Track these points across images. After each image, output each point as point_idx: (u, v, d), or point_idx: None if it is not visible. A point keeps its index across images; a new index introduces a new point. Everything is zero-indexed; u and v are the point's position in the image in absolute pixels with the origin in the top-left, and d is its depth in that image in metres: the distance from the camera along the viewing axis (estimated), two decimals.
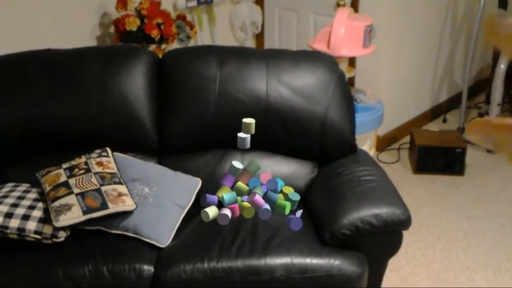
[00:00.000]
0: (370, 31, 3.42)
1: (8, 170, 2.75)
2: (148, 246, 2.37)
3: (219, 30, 4.54)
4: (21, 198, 2.45)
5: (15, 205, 2.39)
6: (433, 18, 4.50)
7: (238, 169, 1.64)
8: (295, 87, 2.73)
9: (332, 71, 2.81)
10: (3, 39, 3.31)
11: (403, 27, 4.18)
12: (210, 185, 2.61)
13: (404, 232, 2.42)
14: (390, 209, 2.33)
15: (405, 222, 2.33)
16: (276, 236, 2.38)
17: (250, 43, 4.81)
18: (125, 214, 2.42)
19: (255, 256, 2.28)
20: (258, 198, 1.60)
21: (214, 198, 1.61)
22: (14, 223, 2.32)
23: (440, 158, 3.98)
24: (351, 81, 4.20)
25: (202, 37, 4.39)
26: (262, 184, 1.62)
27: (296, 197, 1.65)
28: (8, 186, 2.57)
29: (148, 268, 2.27)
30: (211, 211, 1.58)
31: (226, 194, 1.59)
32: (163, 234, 2.39)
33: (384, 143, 4.33)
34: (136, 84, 2.75)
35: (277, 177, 2.47)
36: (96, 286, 2.25)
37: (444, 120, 4.84)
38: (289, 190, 1.68)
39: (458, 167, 3.99)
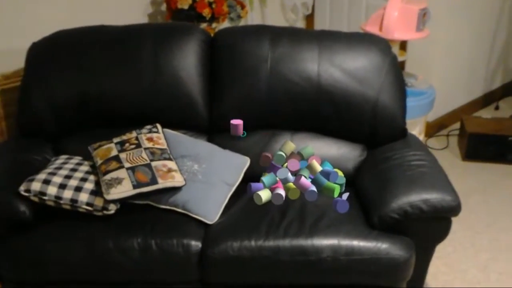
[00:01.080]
0: (425, 14, 3.36)
1: (62, 143, 2.81)
2: (196, 222, 2.39)
3: (269, 11, 4.52)
4: (73, 170, 2.50)
5: (68, 177, 2.44)
6: (490, 1, 4.38)
7: (283, 156, 1.64)
8: (347, 69, 2.70)
9: (385, 54, 2.77)
10: (58, 15, 3.37)
11: (458, 10, 4.09)
12: (258, 165, 2.61)
13: (452, 219, 2.39)
14: (440, 195, 2.30)
15: (455, 209, 2.30)
16: (324, 217, 2.37)
17: (300, 25, 4.77)
18: (174, 190, 2.45)
19: (303, 236, 2.28)
20: (304, 180, 1.60)
21: (259, 185, 1.62)
22: (68, 194, 2.38)
23: (491, 146, 3.90)
24: (402, 65, 4.13)
25: (252, 17, 4.38)
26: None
27: (342, 180, 1.64)
28: (62, 158, 2.63)
29: (196, 244, 2.30)
30: (264, 194, 1.59)
31: (266, 177, 1.60)
32: (211, 211, 2.41)
33: (433, 129, 4.27)
34: (188, 62, 2.77)
35: (326, 160, 2.47)
36: (145, 259, 2.29)
37: (497, 108, 4.73)
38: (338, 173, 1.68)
39: (511, 155, 3.90)
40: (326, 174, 1.63)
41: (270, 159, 1.61)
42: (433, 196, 2.29)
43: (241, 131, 1.62)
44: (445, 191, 2.32)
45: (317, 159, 1.64)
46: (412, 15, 3.30)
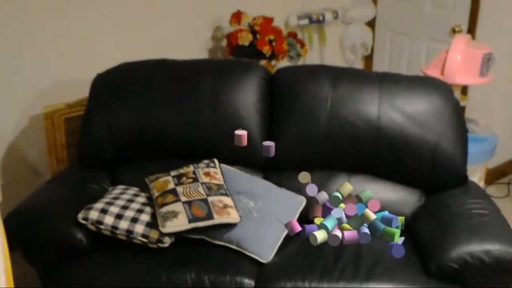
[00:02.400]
0: (489, 59, 3.30)
1: (119, 173, 2.85)
2: (250, 260, 2.38)
3: (328, 50, 4.53)
4: (130, 201, 2.53)
5: (125, 207, 2.47)
6: None
7: (339, 198, 1.60)
8: (408, 112, 2.67)
9: (447, 98, 2.73)
10: (123, 48, 3.45)
11: None
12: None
13: None
14: (504, 246, 2.22)
15: None
16: (379, 262, 2.33)
17: (359, 65, 4.76)
18: (229, 226, 2.44)
19: (357, 281, 2.24)
20: (348, 234, 1.55)
21: (313, 227, 1.58)
22: (124, 224, 2.40)
23: None
24: (462, 110, 4.06)
25: (311, 56, 4.39)
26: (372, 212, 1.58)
27: (399, 223, 1.58)
28: (119, 188, 2.66)
29: (249, 282, 2.28)
30: (320, 235, 1.55)
31: (327, 221, 1.55)
32: (265, 250, 2.39)
33: (493, 176, 4.16)
34: (248, 98, 2.78)
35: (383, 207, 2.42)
36: None
37: None
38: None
39: None
40: (387, 221, 1.58)
41: (244, 138, 1.57)
42: (495, 248, 2.22)
43: (273, 152, 1.60)
44: (509, 243, 2.24)
45: (376, 203, 1.59)
46: (476, 60, 3.25)
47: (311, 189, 1.57)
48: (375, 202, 1.57)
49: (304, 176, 1.58)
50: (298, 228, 1.56)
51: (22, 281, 2.71)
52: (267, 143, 1.59)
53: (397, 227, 1.57)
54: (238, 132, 1.58)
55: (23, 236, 2.45)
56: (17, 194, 2.79)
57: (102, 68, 2.93)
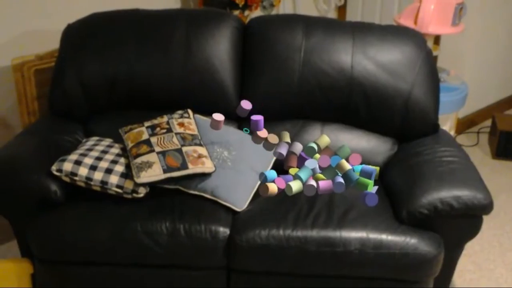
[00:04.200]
0: (461, 9, 3.31)
1: (92, 124, 2.83)
2: (225, 209, 2.40)
3: (301, 0, 4.49)
4: (104, 152, 2.52)
5: (99, 159, 2.46)
6: None
7: (314, 149, 1.61)
8: (381, 61, 2.68)
9: (420, 48, 2.74)
10: None
11: (492, 5, 4.02)
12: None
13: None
14: (472, 192, 2.27)
15: (487, 207, 2.27)
16: (352, 209, 2.37)
17: (332, 15, 4.74)
18: (204, 175, 2.46)
19: (331, 228, 2.28)
20: (323, 184, 1.58)
21: (288, 177, 1.59)
22: (98, 175, 2.39)
23: None
24: (434, 60, 4.08)
25: (284, 6, 4.35)
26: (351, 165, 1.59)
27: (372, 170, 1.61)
28: (93, 140, 2.65)
29: (224, 230, 2.31)
30: (295, 185, 1.57)
31: (302, 172, 1.57)
32: (240, 198, 2.42)
33: (463, 126, 4.22)
34: (221, 48, 2.76)
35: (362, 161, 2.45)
36: (172, 243, 2.30)
37: None
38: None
39: None
40: (367, 174, 1.60)
41: (221, 124, 1.58)
42: (464, 193, 2.27)
43: (221, 127, 1.59)
44: (477, 189, 2.29)
45: (357, 157, 1.60)
46: (449, 9, 3.26)
47: (282, 148, 1.58)
48: (356, 156, 1.59)
49: (323, 140, 1.59)
50: (248, 106, 1.56)
51: None
52: (244, 104, 1.58)
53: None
54: (215, 116, 1.57)
55: None
56: None
57: (72, 18, 2.87)
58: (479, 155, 3.96)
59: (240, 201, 2.41)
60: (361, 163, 1.63)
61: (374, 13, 4.54)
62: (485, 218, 2.34)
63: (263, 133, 1.60)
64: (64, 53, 2.82)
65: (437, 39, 4.02)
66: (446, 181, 2.35)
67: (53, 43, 2.97)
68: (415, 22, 3.34)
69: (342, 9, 4.78)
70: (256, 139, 1.60)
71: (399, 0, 4.34)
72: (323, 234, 2.26)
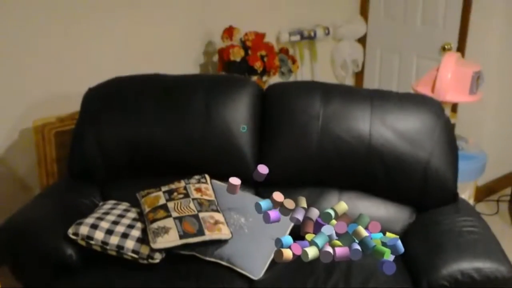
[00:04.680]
0: (478, 78, 3.33)
1: (109, 188, 2.84)
2: (241, 276, 2.37)
3: (319, 66, 4.55)
4: (121, 216, 2.52)
5: (115, 223, 2.46)
6: None
7: (330, 215, 1.59)
8: (399, 130, 2.68)
9: (438, 116, 2.74)
10: (115, 62, 3.45)
11: (509, 73, 4.04)
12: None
13: None
14: (494, 264, 2.23)
15: (510, 280, 2.22)
16: (370, 279, 2.33)
17: (349, 81, 4.79)
18: (220, 242, 2.43)
19: None
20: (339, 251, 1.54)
21: (304, 243, 1.57)
22: (114, 240, 2.38)
23: None
24: (452, 128, 4.08)
25: (302, 72, 4.41)
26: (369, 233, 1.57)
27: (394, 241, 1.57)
28: (110, 203, 2.65)
29: None
30: (311, 251, 1.54)
31: (317, 238, 1.54)
32: (256, 266, 2.39)
33: (482, 194, 4.18)
34: (239, 114, 2.78)
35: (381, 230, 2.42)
36: None
37: None
38: (390, 236, 1.63)
39: None
40: (393, 248, 1.56)
41: (237, 188, 1.55)
42: (486, 266, 2.22)
43: (237, 192, 1.57)
44: (499, 261, 2.24)
45: (376, 225, 1.57)
46: (466, 78, 3.28)
47: (298, 213, 1.57)
48: (375, 224, 1.56)
49: (341, 206, 1.57)
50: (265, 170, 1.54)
51: None
52: (261, 168, 1.57)
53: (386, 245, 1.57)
54: (232, 180, 1.56)
55: (12, 251, 2.43)
56: (6, 208, 2.77)
57: (93, 82, 2.92)
58: (499, 224, 3.90)
59: (256, 269, 2.38)
60: (380, 231, 1.60)
61: (391, 79, 4.59)
62: None
63: (279, 197, 1.58)
64: (84, 116, 2.86)
65: (454, 107, 4.04)
66: (466, 252, 2.31)
67: (74, 106, 3.02)
68: (433, 90, 3.35)
69: (359, 75, 4.83)
70: (273, 204, 1.59)
71: (416, 67, 4.39)
72: None
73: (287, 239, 1.57)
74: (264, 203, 1.52)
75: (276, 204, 1.58)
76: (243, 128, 1.64)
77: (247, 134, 2.76)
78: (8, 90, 3.11)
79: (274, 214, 1.53)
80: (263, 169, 1.58)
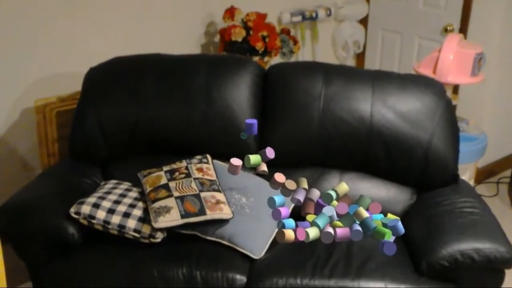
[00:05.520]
0: (480, 59, 3.32)
1: (111, 168, 2.84)
2: (242, 256, 2.38)
3: (320, 47, 4.54)
4: (122, 196, 2.53)
5: (117, 202, 2.46)
6: None
7: (331, 196, 1.59)
8: (400, 111, 2.68)
9: (439, 97, 2.74)
10: (116, 42, 3.44)
11: (510, 54, 4.03)
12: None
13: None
14: (494, 245, 2.24)
15: (509, 261, 2.23)
16: (370, 259, 2.34)
17: (351, 62, 4.77)
18: (221, 222, 2.44)
19: (349, 278, 2.25)
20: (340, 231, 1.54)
21: (305, 224, 1.57)
22: (116, 219, 2.39)
23: None
24: (453, 109, 4.08)
25: (303, 53, 4.40)
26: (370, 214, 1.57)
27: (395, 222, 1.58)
28: (111, 183, 2.65)
29: (241, 278, 2.29)
30: (312, 232, 1.55)
31: (319, 218, 1.54)
32: (257, 246, 2.40)
33: (482, 175, 4.19)
34: (240, 94, 2.78)
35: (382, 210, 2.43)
36: None
37: None
38: (391, 217, 1.64)
39: None
40: (393, 230, 1.56)
41: (239, 168, 1.55)
42: (486, 246, 2.23)
43: (238, 172, 1.57)
44: (499, 242, 2.25)
45: (377, 206, 1.58)
46: (468, 59, 3.27)
47: (299, 194, 1.57)
48: (376, 205, 1.56)
49: (342, 187, 1.57)
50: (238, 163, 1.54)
51: (14, 275, 2.71)
52: (249, 120, 1.56)
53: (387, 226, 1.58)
54: (233, 161, 1.56)
55: (14, 230, 2.44)
56: (8, 188, 2.78)
57: (95, 62, 2.92)
58: (499, 206, 3.91)
59: (257, 248, 2.39)
60: (381, 212, 1.61)
61: (392, 60, 4.57)
62: (508, 272, 2.30)
63: (280, 178, 1.59)
64: (85, 96, 2.86)
65: (456, 88, 4.03)
66: (466, 233, 2.32)
67: (76, 86, 3.01)
68: (434, 72, 3.35)
69: (360, 57, 4.82)
70: (274, 185, 1.59)
71: (418, 48, 4.37)
72: (341, 284, 2.23)
73: (290, 222, 1.58)
74: (278, 198, 1.53)
75: (277, 185, 1.59)
76: (243, 136, 1.63)
77: (248, 114, 2.76)
78: (10, 70, 3.10)
79: (285, 211, 1.54)
80: (270, 153, 1.58)
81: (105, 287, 2.33)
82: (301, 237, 1.54)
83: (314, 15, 4.29)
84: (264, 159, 1.60)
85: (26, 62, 3.14)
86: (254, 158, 1.51)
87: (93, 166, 2.84)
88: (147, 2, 3.55)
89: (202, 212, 2.40)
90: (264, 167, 1.58)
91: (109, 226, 2.39)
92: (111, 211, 2.41)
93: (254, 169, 1.76)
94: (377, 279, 2.25)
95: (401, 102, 2.69)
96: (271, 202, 1.53)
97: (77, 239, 2.39)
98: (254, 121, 1.58)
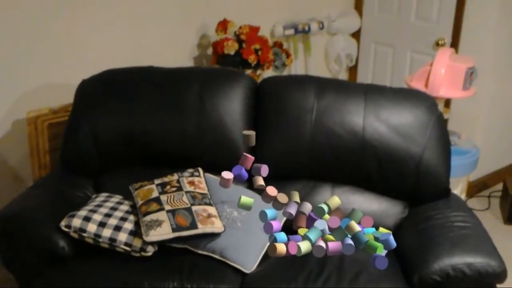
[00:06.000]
0: (472, 73, 3.33)
1: (103, 180, 2.83)
2: (233, 270, 2.37)
3: (313, 60, 4.55)
4: (114, 209, 2.51)
5: (108, 215, 2.45)
6: None
7: (323, 210, 1.59)
8: (392, 124, 2.68)
9: (431, 111, 2.75)
10: (108, 54, 3.44)
11: (503, 68, 4.06)
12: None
13: None
14: (485, 259, 2.24)
15: (500, 275, 2.23)
16: (362, 273, 2.34)
17: (343, 76, 4.79)
18: (213, 235, 2.44)
19: None
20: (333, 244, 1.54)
21: (297, 238, 1.57)
22: (107, 232, 2.38)
23: None
24: (445, 123, 4.09)
25: (296, 66, 4.41)
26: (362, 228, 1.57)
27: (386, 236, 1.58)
28: (102, 196, 2.64)
29: None
30: (303, 246, 1.54)
31: (311, 232, 1.54)
32: (249, 260, 2.39)
33: (474, 189, 4.19)
34: (233, 108, 2.78)
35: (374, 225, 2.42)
36: None
37: None
38: (383, 231, 1.64)
39: None
40: (385, 243, 1.56)
41: (230, 182, 1.55)
42: (477, 260, 2.23)
43: (230, 186, 1.56)
44: (490, 256, 2.26)
45: (369, 220, 1.57)
46: (460, 73, 3.28)
47: (291, 207, 1.56)
48: (368, 219, 1.56)
49: (334, 201, 1.56)
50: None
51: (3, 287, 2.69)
52: (247, 132, 1.56)
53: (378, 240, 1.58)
54: (224, 174, 1.56)
55: (3, 242, 2.43)
56: None
57: (87, 74, 2.92)
58: (491, 220, 3.91)
59: (249, 262, 2.38)
60: (372, 226, 1.60)
61: (385, 74, 4.59)
62: (499, 286, 2.30)
63: (272, 191, 1.58)
64: (77, 108, 2.85)
65: (448, 102, 4.05)
66: (458, 247, 2.32)
67: (68, 98, 3.01)
68: (426, 85, 3.36)
69: (353, 70, 4.84)
70: (266, 198, 1.59)
71: (410, 62, 4.39)
72: None
73: (281, 235, 1.57)
74: (270, 212, 1.52)
75: (269, 199, 1.58)
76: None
77: (240, 127, 2.76)
78: (2, 81, 3.09)
79: (276, 225, 1.53)
80: (265, 170, 1.57)
81: None
82: (293, 251, 1.54)
83: (306, 28, 4.30)
84: (257, 174, 1.59)
85: (18, 73, 3.13)
86: (245, 200, 1.51)
87: (84, 178, 2.83)
88: (140, 15, 3.55)
89: (193, 225, 2.39)
90: (261, 181, 1.58)
91: (100, 240, 2.38)
92: (102, 224, 2.40)
93: (248, 180, 1.76)
94: None
95: (393, 115, 2.70)
96: (262, 215, 1.53)
97: (67, 252, 2.38)
98: (252, 132, 1.58)
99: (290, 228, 1.63)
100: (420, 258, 2.34)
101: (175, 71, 2.93)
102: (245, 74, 2.98)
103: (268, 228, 1.53)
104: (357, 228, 1.53)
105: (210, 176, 2.71)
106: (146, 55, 3.57)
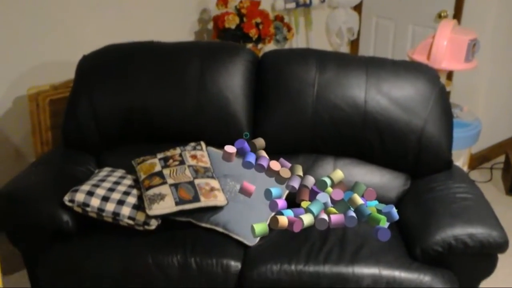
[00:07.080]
0: (474, 45, 3.32)
1: (105, 155, 2.84)
2: (236, 243, 2.39)
3: (314, 34, 4.52)
4: (117, 183, 2.52)
5: (111, 190, 2.46)
6: None
7: (326, 183, 1.59)
8: (394, 97, 2.68)
9: (433, 84, 2.74)
10: (109, 30, 3.42)
11: (504, 41, 4.03)
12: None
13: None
14: (487, 230, 2.25)
15: (502, 245, 2.24)
16: (365, 245, 2.35)
17: (345, 49, 4.77)
18: (216, 209, 2.45)
19: (343, 264, 2.26)
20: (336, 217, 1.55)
21: (300, 211, 1.58)
22: (110, 206, 2.39)
23: None
24: (447, 95, 4.08)
25: (297, 40, 4.39)
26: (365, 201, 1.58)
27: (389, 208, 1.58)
28: (105, 170, 2.65)
29: (235, 265, 2.29)
30: (306, 219, 1.55)
31: (313, 205, 1.54)
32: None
33: (476, 161, 4.20)
34: (234, 82, 2.77)
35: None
36: (183, 277, 2.29)
37: None
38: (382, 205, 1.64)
39: None
40: (388, 216, 1.57)
41: (233, 156, 1.56)
42: (479, 231, 2.24)
43: (233, 160, 1.58)
44: (492, 227, 2.26)
45: (372, 193, 1.58)
46: (462, 45, 3.27)
47: (294, 181, 1.57)
48: (371, 191, 1.57)
49: (337, 174, 1.57)
50: (251, 188, 1.56)
51: (9, 262, 2.71)
52: (228, 148, 1.56)
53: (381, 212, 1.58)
54: (227, 148, 1.56)
55: (8, 219, 2.44)
56: (1, 176, 2.78)
57: (88, 50, 2.90)
58: (493, 191, 3.92)
59: (251, 235, 2.39)
60: (376, 199, 1.61)
61: (386, 47, 4.57)
62: (500, 256, 2.31)
63: (275, 166, 1.59)
64: (78, 84, 2.84)
65: (450, 74, 4.03)
66: (460, 218, 2.33)
67: (69, 74, 3.00)
68: (428, 58, 3.34)
69: (354, 43, 4.81)
70: (268, 173, 1.59)
71: (412, 35, 4.36)
72: (335, 270, 2.24)
73: (276, 190, 1.57)
74: (275, 190, 1.52)
75: (272, 173, 1.59)
76: (246, 135, 1.63)
77: (242, 101, 2.76)
78: (2, 58, 3.08)
79: (282, 203, 1.53)
80: (229, 148, 1.57)
81: (100, 274, 2.33)
82: (297, 229, 1.54)
83: (308, 1, 4.27)
84: (254, 149, 1.59)
85: (19, 49, 3.12)
86: (260, 227, 1.50)
87: (86, 154, 2.83)
88: None
89: (196, 199, 2.40)
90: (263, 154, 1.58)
91: (104, 214, 2.39)
92: (105, 199, 2.41)
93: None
94: (371, 264, 2.26)
95: (395, 88, 2.69)
96: (267, 194, 1.53)
97: (71, 227, 2.39)
98: (233, 150, 1.57)
99: (293, 201, 1.64)
100: (422, 229, 2.35)
101: (175, 46, 2.91)
102: (246, 48, 2.97)
103: (273, 206, 1.53)
104: (359, 201, 1.54)
105: (212, 149, 2.71)
106: (147, 30, 3.55)
